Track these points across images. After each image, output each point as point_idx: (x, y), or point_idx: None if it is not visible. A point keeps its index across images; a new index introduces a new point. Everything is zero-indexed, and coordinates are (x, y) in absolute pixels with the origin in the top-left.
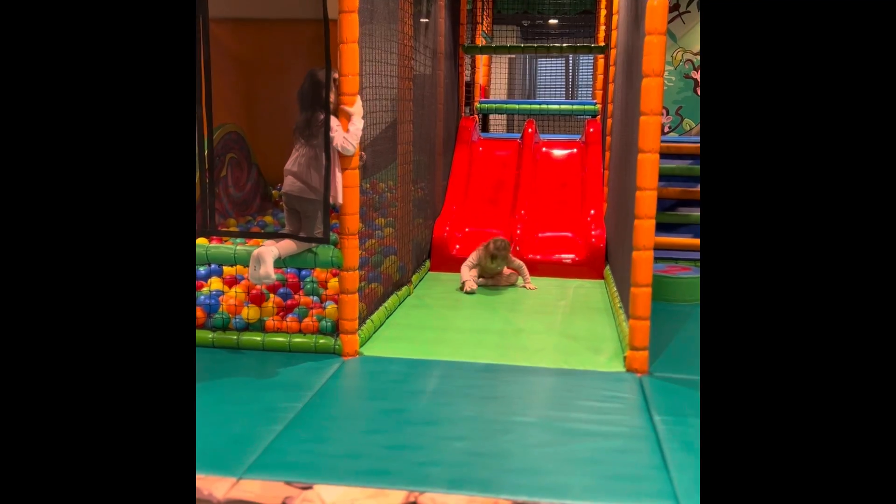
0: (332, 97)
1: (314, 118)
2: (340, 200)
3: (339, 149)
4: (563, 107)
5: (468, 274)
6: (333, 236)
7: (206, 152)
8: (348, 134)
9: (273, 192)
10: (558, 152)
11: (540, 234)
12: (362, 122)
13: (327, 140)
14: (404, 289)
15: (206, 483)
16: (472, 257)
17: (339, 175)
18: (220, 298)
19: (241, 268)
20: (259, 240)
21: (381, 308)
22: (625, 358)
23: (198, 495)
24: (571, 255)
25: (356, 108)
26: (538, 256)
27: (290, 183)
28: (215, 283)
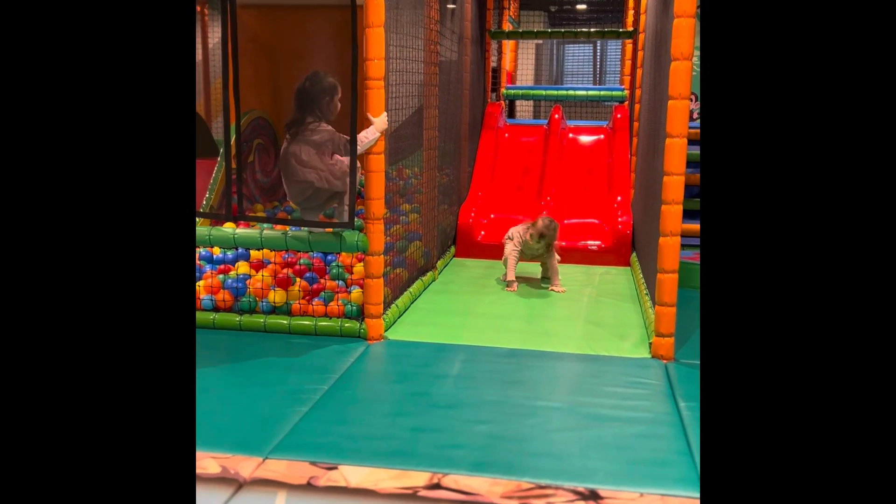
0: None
1: (304, 121)
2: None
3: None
4: (590, 93)
5: (512, 272)
6: (359, 222)
7: (233, 138)
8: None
9: None
10: (585, 138)
11: (566, 221)
12: (377, 135)
13: (353, 132)
14: (429, 274)
15: (233, 462)
16: (513, 243)
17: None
18: (248, 282)
19: (267, 252)
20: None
21: (406, 293)
22: (650, 344)
23: (224, 474)
24: (598, 242)
25: (378, 122)
26: (564, 243)
27: (296, 192)
28: (242, 267)
